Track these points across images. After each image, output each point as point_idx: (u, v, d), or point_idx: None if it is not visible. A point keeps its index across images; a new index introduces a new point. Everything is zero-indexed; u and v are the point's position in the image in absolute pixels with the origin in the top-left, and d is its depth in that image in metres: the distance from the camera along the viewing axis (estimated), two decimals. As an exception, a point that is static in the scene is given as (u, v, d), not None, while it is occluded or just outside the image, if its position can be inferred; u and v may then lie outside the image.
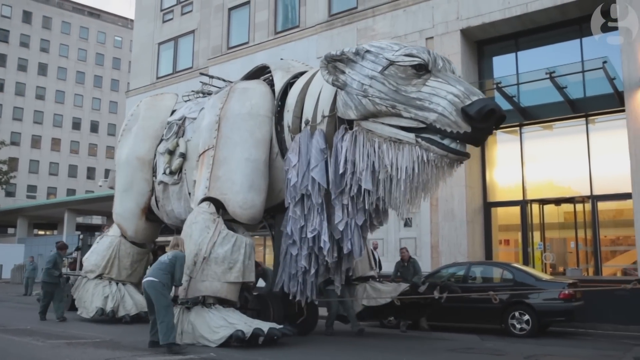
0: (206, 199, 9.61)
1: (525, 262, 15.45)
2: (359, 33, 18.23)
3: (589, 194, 15.09)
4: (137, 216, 12.40)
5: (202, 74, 15.09)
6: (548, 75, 14.12)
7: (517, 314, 10.80)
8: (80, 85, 69.36)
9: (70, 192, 64.12)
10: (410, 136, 7.70)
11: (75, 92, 68.90)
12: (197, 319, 8.64)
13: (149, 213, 12.48)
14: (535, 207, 15.93)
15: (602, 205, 15.14)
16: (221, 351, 7.97)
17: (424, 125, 7.55)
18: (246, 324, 8.47)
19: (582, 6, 14.98)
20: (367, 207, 8.39)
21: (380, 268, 12.94)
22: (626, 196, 13.95)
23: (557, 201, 15.76)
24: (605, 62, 13.73)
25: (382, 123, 7.94)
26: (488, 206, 16.74)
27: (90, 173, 68.00)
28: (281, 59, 13.32)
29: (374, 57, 8.03)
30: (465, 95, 7.31)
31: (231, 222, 9.57)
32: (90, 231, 26.75)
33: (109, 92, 71.37)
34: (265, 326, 8.45)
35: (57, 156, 66.41)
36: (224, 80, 13.46)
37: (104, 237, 13.02)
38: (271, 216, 11.12)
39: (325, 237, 8.57)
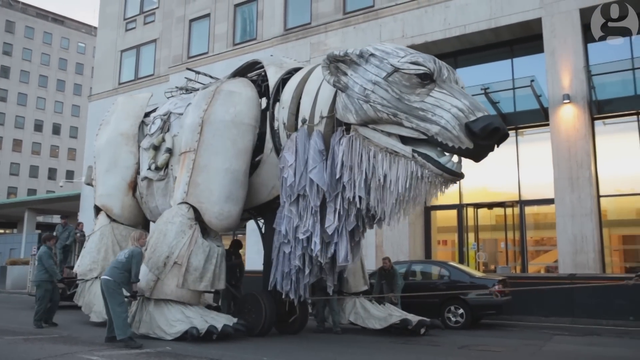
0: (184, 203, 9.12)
1: (461, 260, 15.82)
2: (312, 47, 18.32)
3: (517, 199, 15.60)
4: (123, 191, 11.17)
5: (188, 69, 14.20)
6: (483, 91, 14.57)
7: (452, 308, 11.03)
8: (43, 88, 66.82)
9: (31, 192, 61.65)
10: (407, 150, 7.13)
11: (38, 95, 66.33)
12: (155, 309, 8.37)
13: (135, 191, 11.24)
14: (470, 211, 16.35)
15: (528, 210, 15.68)
16: (176, 345, 7.81)
17: (424, 137, 6.95)
18: (202, 318, 8.26)
19: (513, 30, 15.54)
20: (362, 214, 7.84)
21: None
22: (549, 201, 14.52)
23: (490, 205, 16.20)
24: (532, 80, 14.28)
25: (382, 131, 7.34)
26: (428, 209, 17.04)
27: (52, 174, 65.55)
28: (271, 55, 12.92)
29: (378, 62, 7.34)
30: (470, 111, 6.70)
31: (206, 226, 9.16)
32: (52, 230, 25.84)
33: (72, 96, 69.04)
34: (219, 322, 8.25)
35: (18, 157, 63.71)
36: (210, 76, 12.70)
37: (91, 235, 11.38)
38: (257, 214, 10.52)
39: (317, 239, 8.03)
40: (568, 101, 13.99)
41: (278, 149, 9.08)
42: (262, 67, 10.25)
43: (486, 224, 16.57)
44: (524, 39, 15.81)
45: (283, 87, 9.38)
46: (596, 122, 14.85)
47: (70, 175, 62.82)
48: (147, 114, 12.08)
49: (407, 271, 12.20)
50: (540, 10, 14.81)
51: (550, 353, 8.21)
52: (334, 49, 17.11)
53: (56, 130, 67.33)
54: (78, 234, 14.70)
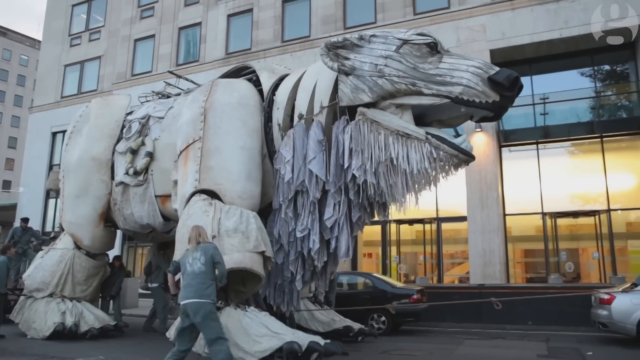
0: (196, 192, 7.55)
1: (384, 272, 16.03)
2: (252, 71, 18.24)
3: (435, 216, 16.05)
4: (94, 222, 9.97)
5: (170, 72, 13.01)
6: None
7: (375, 315, 11.15)
8: (-18, 98, 62.68)
9: (-35, 201, 57.27)
10: (421, 132, 6.55)
11: (-24, 104, 62.14)
12: (230, 322, 6.40)
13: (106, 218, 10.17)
14: (393, 226, 16.64)
15: (444, 226, 16.16)
16: (110, 354, 7.41)
17: (447, 101, 6.38)
18: (294, 335, 6.38)
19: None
20: (364, 202, 7.08)
21: None
22: (462, 219, 15.07)
23: (410, 222, 16.52)
24: (450, 110, 14.81)
25: (395, 107, 6.70)
26: (356, 224, 17.18)
27: (-12, 183, 61.21)
28: (258, 61, 12.24)
29: (383, 39, 6.86)
30: (487, 66, 6.35)
31: None
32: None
33: (12, 107, 64.96)
34: (319, 340, 6.36)
35: (-48, 166, 59.19)
36: (193, 82, 11.46)
37: (51, 251, 10.07)
38: None
39: (315, 237, 7.17)
40: (480, 130, 14.68)
41: (272, 155, 8.17)
42: (250, 72, 9.39)
43: (407, 238, 16.94)
44: (442, 73, 16.41)
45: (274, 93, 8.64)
46: (503, 149, 15.67)
47: (7, 185, 58.85)
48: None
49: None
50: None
51: (462, 356, 8.44)
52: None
53: (-6, 140, 63.13)
54: (34, 242, 13.36)
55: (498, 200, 14.53)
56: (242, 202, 7.45)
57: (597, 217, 14.48)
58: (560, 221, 14.96)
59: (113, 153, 10.14)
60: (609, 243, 14.12)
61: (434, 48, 6.57)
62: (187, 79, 11.83)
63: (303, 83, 7.96)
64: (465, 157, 6.53)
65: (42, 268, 9.73)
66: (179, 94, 10.83)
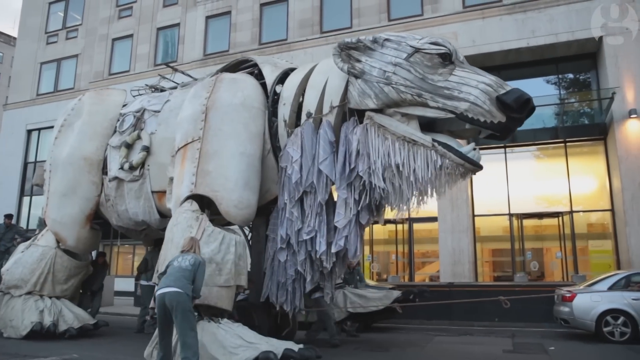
0: (190, 196, 7.23)
1: (358, 270, 16.10)
2: (230, 72, 18.11)
3: (406, 216, 16.15)
4: (80, 224, 9.43)
5: (166, 65, 12.47)
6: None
7: (348, 312, 11.16)
8: (-45, 94, 60.58)
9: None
10: (427, 139, 6.32)
11: (-51, 101, 60.03)
12: (205, 336, 6.12)
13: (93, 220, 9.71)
14: (367, 226, 16.73)
15: (416, 226, 16.32)
16: (84, 352, 7.27)
17: (452, 115, 6.13)
18: (268, 344, 6.25)
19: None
20: (371, 205, 6.90)
21: None
22: (433, 219, 15.24)
23: (383, 222, 16.65)
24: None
25: (401, 116, 6.48)
26: (330, 224, 17.20)
27: (-40, 180, 59.18)
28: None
29: (396, 45, 6.58)
30: (498, 85, 6.05)
31: (218, 223, 7.27)
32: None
33: (-14, 104, 63.13)
34: (293, 346, 6.34)
35: None
36: (190, 76, 11.02)
37: (32, 247, 9.47)
38: None
39: (322, 238, 6.94)
40: (450, 134, 14.86)
41: (276, 151, 7.84)
42: (250, 66, 8.98)
43: (380, 238, 17.03)
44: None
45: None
46: (472, 152, 15.86)
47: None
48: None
49: (310, 280, 12.20)
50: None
51: (432, 351, 8.54)
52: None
53: (-33, 137, 61.11)
54: (18, 239, 12.81)
55: (467, 202, 14.75)
56: (238, 211, 7.24)
57: (560, 218, 14.84)
58: (526, 222, 15.28)
59: (105, 150, 9.62)
60: (571, 243, 14.48)
61: (446, 58, 6.32)
62: (183, 73, 11.43)
63: (312, 80, 7.63)
64: (471, 166, 6.28)
65: (21, 264, 9.19)
66: (173, 88, 10.42)
